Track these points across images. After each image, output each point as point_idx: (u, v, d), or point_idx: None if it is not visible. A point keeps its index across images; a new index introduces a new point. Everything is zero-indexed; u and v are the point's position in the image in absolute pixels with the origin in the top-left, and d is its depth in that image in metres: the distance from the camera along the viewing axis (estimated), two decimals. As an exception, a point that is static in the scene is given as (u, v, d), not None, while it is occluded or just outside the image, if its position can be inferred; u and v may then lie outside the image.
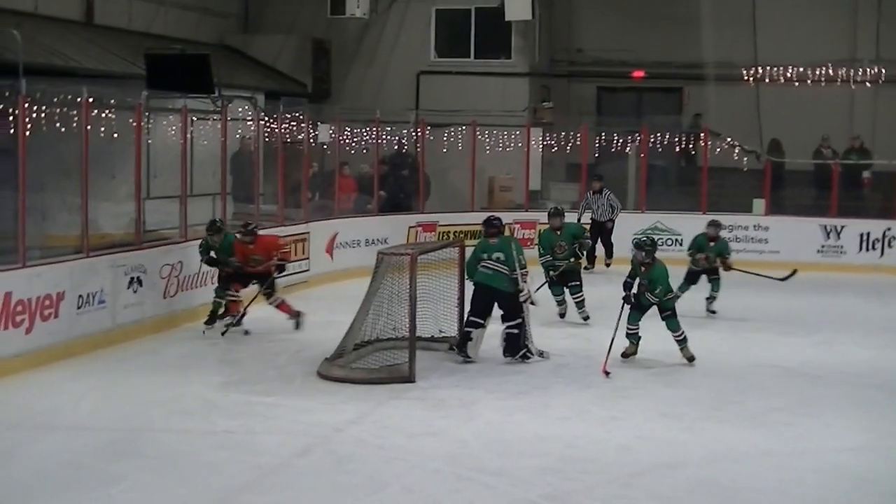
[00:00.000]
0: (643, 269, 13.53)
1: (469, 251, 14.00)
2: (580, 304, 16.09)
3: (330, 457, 9.70)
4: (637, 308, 13.54)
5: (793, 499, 8.80)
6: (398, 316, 13.06)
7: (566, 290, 16.15)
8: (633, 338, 13.54)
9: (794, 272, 16.89)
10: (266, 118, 19.49)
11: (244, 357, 13.81)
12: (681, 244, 22.39)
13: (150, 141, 17.08)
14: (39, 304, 12.73)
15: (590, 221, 20.82)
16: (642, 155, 23.47)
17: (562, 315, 16.21)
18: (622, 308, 13.48)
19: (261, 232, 15.55)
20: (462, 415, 11.12)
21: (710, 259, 16.52)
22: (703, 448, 10.08)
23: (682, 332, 13.53)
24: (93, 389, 11.85)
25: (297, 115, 19.82)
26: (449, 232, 21.63)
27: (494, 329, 13.49)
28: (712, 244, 16.67)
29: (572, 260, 16.11)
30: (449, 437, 10.31)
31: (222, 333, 14.69)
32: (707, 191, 22.82)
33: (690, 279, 16.68)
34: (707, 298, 16.71)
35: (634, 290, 13.62)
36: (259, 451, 9.84)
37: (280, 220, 18.86)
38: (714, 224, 16.90)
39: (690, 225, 22.21)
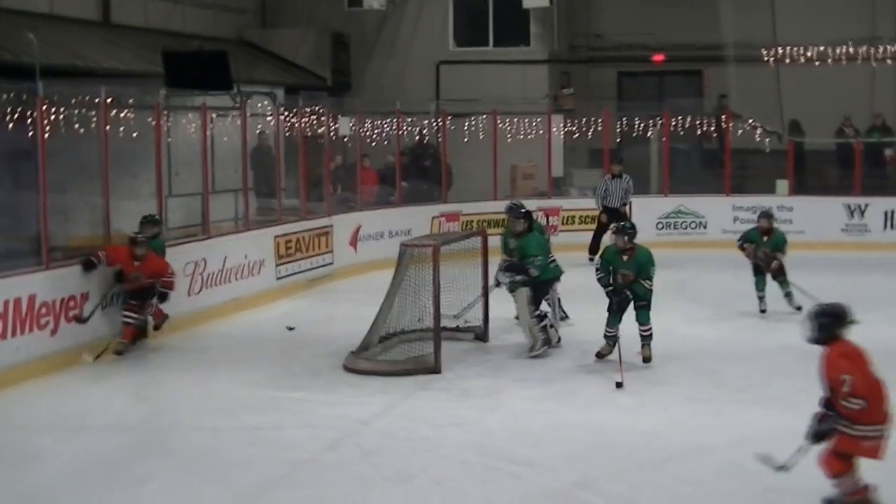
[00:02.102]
0: (625, 257, 12.54)
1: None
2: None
3: (358, 450, 9.71)
4: (618, 309, 12.65)
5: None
6: (423, 307, 13.07)
7: None
8: (612, 339, 12.68)
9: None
10: (286, 113, 19.48)
11: (270, 353, 13.83)
12: (704, 227, 22.44)
13: (170, 139, 17.09)
14: (64, 305, 12.77)
15: (601, 208, 20.47)
16: (664, 138, 23.39)
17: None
18: (612, 310, 12.69)
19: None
20: (488, 404, 11.11)
21: (767, 255, 15.17)
22: (731, 432, 10.05)
23: (651, 329, 12.66)
24: (121, 390, 11.89)
25: (317, 108, 19.79)
26: (472, 221, 21.59)
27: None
28: (766, 238, 15.32)
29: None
30: (476, 428, 10.31)
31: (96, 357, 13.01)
32: (730, 173, 22.75)
33: (759, 273, 15.42)
34: (785, 296, 15.27)
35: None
36: (287, 447, 9.86)
37: (303, 214, 18.87)
38: (765, 215, 15.52)
39: (713, 208, 22.34)
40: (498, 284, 13.61)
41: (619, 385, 11.61)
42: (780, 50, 25.78)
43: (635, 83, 28.33)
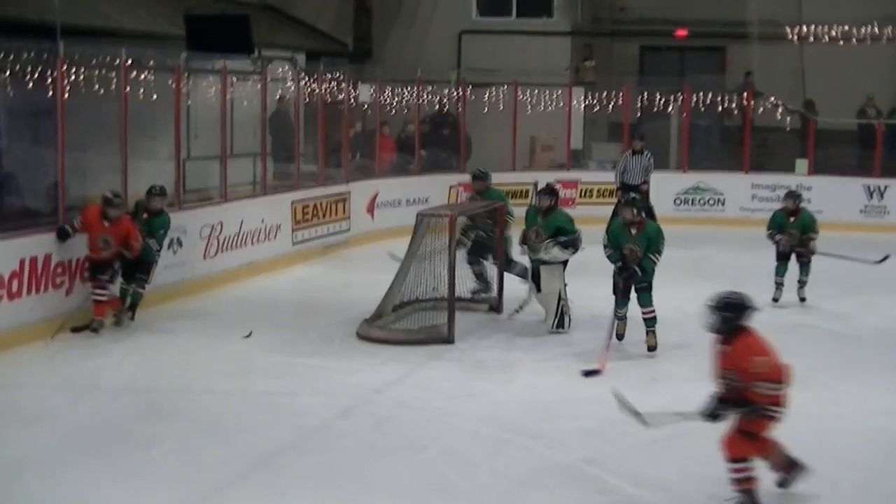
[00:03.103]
0: (633, 230, 12.08)
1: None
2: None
3: (369, 418, 9.73)
4: (624, 288, 12.21)
5: (832, 461, 8.74)
6: (437, 276, 13.07)
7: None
8: (623, 320, 12.39)
9: (887, 257, 15.73)
10: (306, 78, 19.45)
11: (285, 318, 13.87)
12: (722, 204, 22.36)
13: (189, 102, 17.07)
14: (79, 265, 12.79)
15: (619, 185, 20.04)
16: (684, 114, 23.30)
17: (475, 293, 14.48)
18: (620, 293, 12.30)
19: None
20: (501, 377, 11.12)
21: (793, 237, 14.41)
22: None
23: (653, 311, 12.19)
24: (134, 351, 11.92)
25: (337, 75, 19.76)
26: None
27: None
28: (792, 219, 14.55)
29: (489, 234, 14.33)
30: (488, 399, 10.32)
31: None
32: (749, 150, 22.66)
33: (782, 259, 14.66)
34: (798, 282, 14.72)
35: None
36: (299, 413, 9.90)
37: (321, 180, 18.87)
38: (791, 195, 14.80)
39: (732, 185, 22.26)
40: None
41: (588, 374, 11.08)
42: (804, 28, 25.62)
43: (657, 58, 28.15)
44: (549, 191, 13.16)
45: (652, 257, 12.06)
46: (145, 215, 13.00)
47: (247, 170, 18.73)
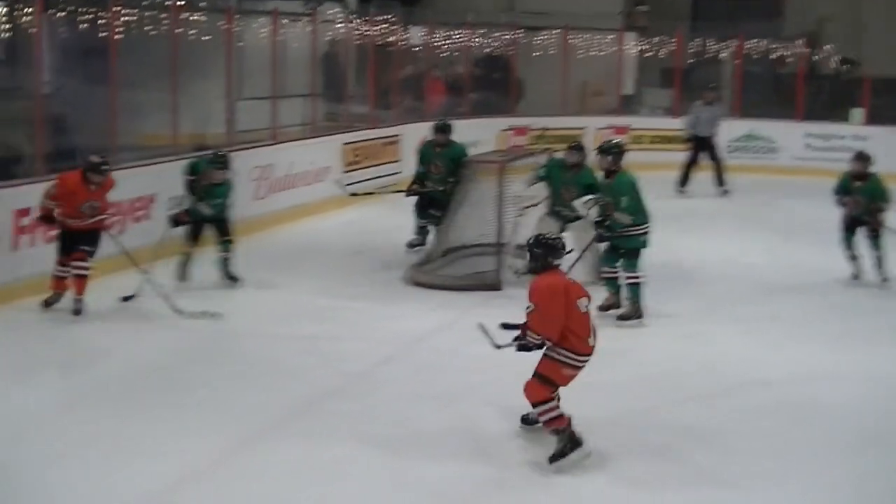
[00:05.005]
0: (608, 179, 11.32)
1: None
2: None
3: (412, 366, 9.78)
4: (611, 245, 11.38)
5: (872, 420, 8.72)
6: (486, 222, 13.03)
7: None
8: (612, 284, 11.42)
9: None
10: (357, 20, 19.42)
11: (332, 262, 13.91)
12: (775, 153, 22.18)
13: (240, 43, 17.09)
14: (131, 206, 12.88)
15: (690, 136, 19.69)
16: (737, 61, 23.07)
17: (413, 246, 14.26)
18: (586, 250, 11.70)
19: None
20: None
21: (858, 204, 12.87)
22: (786, 367, 9.98)
23: (640, 280, 11.25)
24: (181, 292, 11.94)
25: (388, 17, 19.71)
26: (541, 136, 21.48)
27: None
28: (859, 184, 12.99)
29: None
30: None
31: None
32: (804, 99, 22.42)
33: (848, 228, 13.07)
34: (875, 261, 13.06)
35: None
36: (342, 358, 9.96)
37: (371, 122, 18.88)
38: (860, 157, 13.12)
39: (785, 133, 22.04)
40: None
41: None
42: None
43: (711, 3, 27.85)
44: (578, 147, 12.95)
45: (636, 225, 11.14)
46: (204, 181, 12.22)
47: (297, 111, 18.76)
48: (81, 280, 11.01)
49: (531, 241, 7.92)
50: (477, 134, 20.35)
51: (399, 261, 13.49)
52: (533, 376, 7.69)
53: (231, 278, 12.37)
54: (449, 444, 8.00)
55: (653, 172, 19.78)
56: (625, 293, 11.31)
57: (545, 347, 7.65)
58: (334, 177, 15.95)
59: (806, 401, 9.10)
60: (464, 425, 8.29)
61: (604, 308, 11.33)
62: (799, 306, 12.17)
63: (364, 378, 9.46)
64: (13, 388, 9.08)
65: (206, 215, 12.15)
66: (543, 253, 7.75)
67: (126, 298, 11.21)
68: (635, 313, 11.19)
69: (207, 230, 12.31)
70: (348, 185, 14.96)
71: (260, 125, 17.17)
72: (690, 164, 19.50)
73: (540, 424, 7.85)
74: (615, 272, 11.33)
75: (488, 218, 12.92)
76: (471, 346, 10.12)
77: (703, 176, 19.63)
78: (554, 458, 7.60)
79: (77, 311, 10.98)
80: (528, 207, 13.00)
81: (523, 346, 7.74)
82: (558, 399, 7.72)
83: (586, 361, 7.71)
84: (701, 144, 19.55)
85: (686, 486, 7.44)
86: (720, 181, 19.50)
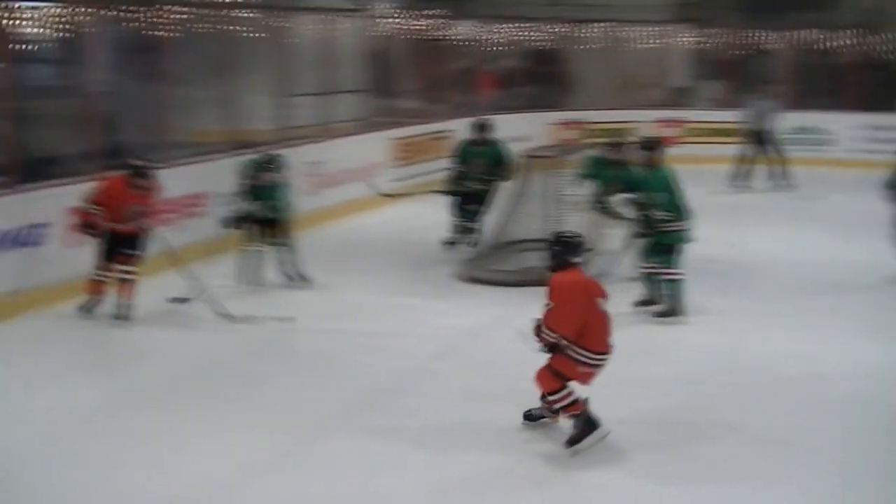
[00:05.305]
0: (646, 174, 11.08)
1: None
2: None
3: (466, 361, 9.75)
4: (651, 241, 11.11)
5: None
6: (538, 217, 12.99)
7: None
8: (650, 280, 11.21)
9: None
10: (408, 15, 19.42)
11: (384, 258, 13.93)
12: (830, 145, 21.96)
13: (291, 40, 17.11)
14: (183, 203, 12.94)
15: (749, 130, 19.46)
16: (790, 52, 22.87)
17: (449, 244, 14.29)
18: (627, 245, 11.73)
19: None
20: (620, 321, 11.01)
21: None
22: (845, 362, 9.84)
23: (680, 277, 11.06)
24: (237, 285, 12.01)
25: (437, 12, 19.71)
26: (591, 130, 21.41)
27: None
28: None
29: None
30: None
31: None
32: (859, 90, 22.18)
33: None
34: None
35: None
36: (397, 354, 9.96)
37: (422, 117, 18.87)
38: None
39: (840, 125, 21.81)
40: None
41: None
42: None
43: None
44: (619, 143, 12.89)
45: (669, 219, 10.84)
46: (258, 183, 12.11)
47: (349, 106, 18.78)
48: (129, 284, 10.85)
49: (551, 239, 7.92)
50: (526, 128, 20.32)
51: (449, 256, 13.48)
52: (546, 367, 7.70)
53: (300, 278, 12.28)
54: (508, 438, 7.96)
55: (705, 165, 19.80)
56: (664, 290, 11.17)
57: (564, 346, 7.62)
58: (368, 178, 15.85)
59: (853, 397, 8.96)
60: (520, 420, 8.23)
61: (641, 304, 11.26)
62: (850, 302, 11.97)
63: (419, 374, 9.45)
64: (78, 386, 9.15)
65: (261, 217, 12.07)
66: (562, 251, 7.75)
67: (178, 300, 11.18)
68: (674, 310, 11.04)
69: (266, 231, 12.21)
70: (379, 187, 14.82)
71: (311, 121, 17.20)
72: (748, 159, 19.31)
73: (546, 420, 7.94)
74: (654, 268, 11.15)
75: (540, 213, 12.88)
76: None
77: (759, 170, 19.45)
78: (571, 443, 7.64)
79: (124, 316, 10.78)
80: (574, 204, 12.93)
81: (546, 347, 7.72)
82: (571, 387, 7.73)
83: (604, 360, 7.71)
84: (759, 138, 19.32)
85: (734, 483, 7.36)
86: (780, 175, 19.31)
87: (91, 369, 9.76)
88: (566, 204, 12.85)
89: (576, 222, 12.73)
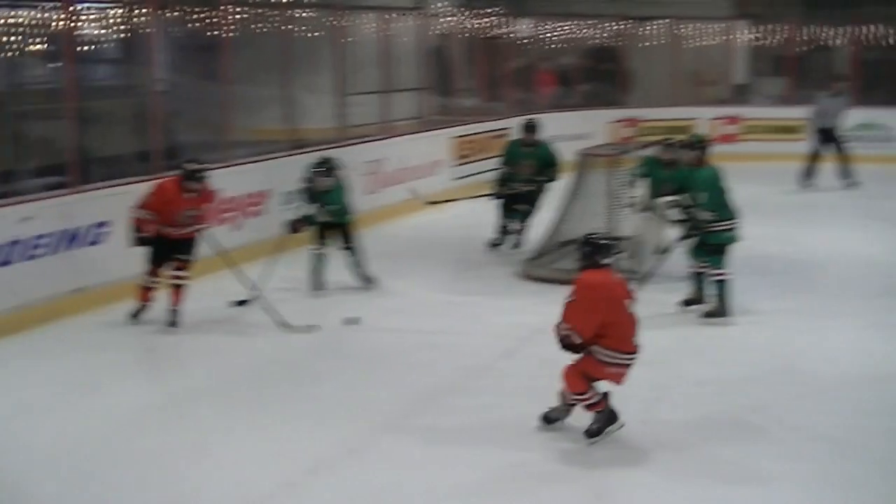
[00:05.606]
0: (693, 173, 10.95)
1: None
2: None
3: (532, 359, 9.67)
4: (698, 241, 10.96)
5: None
6: (599, 215, 12.89)
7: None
8: (697, 280, 11.12)
9: None
10: (466, 13, 19.40)
11: (446, 256, 13.94)
12: (894, 141, 21.69)
13: (349, 39, 17.11)
14: (245, 201, 12.96)
15: (816, 129, 19.08)
16: (853, 47, 22.61)
17: (494, 245, 14.23)
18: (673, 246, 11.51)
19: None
20: (665, 320, 10.93)
21: None
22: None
23: (726, 278, 10.82)
24: (299, 286, 12.01)
25: (497, 10, 19.67)
26: (652, 127, 21.28)
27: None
28: None
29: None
30: (651, 343, 10.07)
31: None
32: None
33: None
34: None
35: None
36: (461, 353, 9.93)
37: (481, 115, 18.83)
38: None
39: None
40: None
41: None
42: None
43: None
44: (672, 144, 12.58)
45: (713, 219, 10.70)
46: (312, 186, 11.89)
47: (408, 105, 18.77)
48: (179, 290, 10.62)
49: (582, 240, 7.97)
50: (585, 126, 20.24)
51: (511, 254, 13.44)
52: (574, 367, 7.77)
53: (365, 280, 12.17)
54: (573, 437, 7.89)
55: (765, 163, 19.68)
56: (711, 290, 11.00)
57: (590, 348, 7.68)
58: (410, 185, 15.74)
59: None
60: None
61: (686, 303, 11.19)
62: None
63: (484, 372, 9.41)
64: (137, 384, 9.24)
65: (323, 221, 11.89)
66: (591, 251, 7.78)
67: (239, 303, 11.15)
68: (721, 311, 10.86)
69: (327, 234, 12.06)
70: (422, 193, 14.70)
71: (369, 120, 17.20)
72: (815, 157, 19.04)
73: (560, 422, 8.00)
74: (701, 268, 11.03)
75: (601, 211, 12.79)
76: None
77: (826, 168, 19.21)
78: (592, 434, 7.76)
79: (173, 323, 10.56)
80: (630, 203, 12.83)
81: (566, 345, 7.77)
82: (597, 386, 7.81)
83: (632, 359, 7.76)
84: (826, 136, 19.01)
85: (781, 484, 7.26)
86: (846, 173, 19.06)
87: (148, 369, 9.88)
88: (623, 203, 12.75)
89: (631, 221, 12.72)
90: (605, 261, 7.76)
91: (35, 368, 9.53)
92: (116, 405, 8.63)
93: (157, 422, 8.31)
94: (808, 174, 18.96)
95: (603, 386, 7.82)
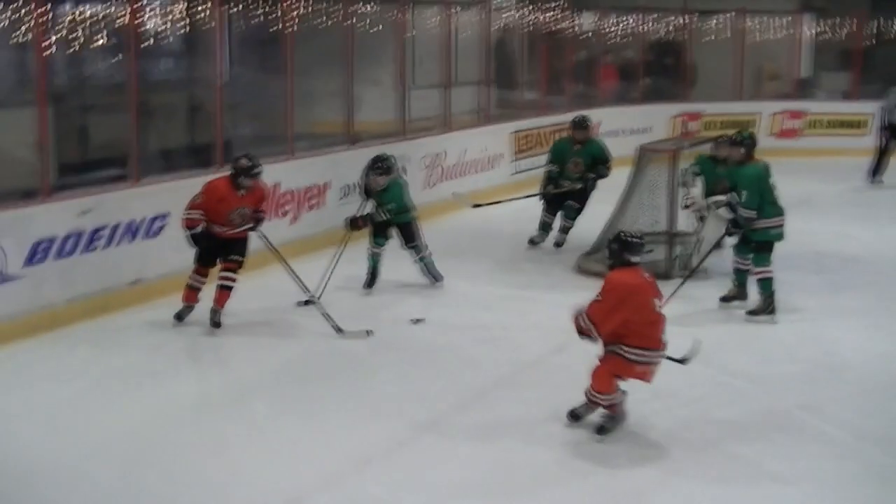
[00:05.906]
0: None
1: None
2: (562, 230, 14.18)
3: (585, 354, 9.63)
4: (743, 237, 11.02)
5: None
6: (657, 210, 12.88)
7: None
8: (740, 276, 11.22)
9: None
10: (528, 7, 19.40)
11: (502, 250, 14.00)
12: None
13: (412, 33, 17.19)
14: (305, 194, 13.09)
15: (886, 124, 18.86)
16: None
17: (534, 243, 14.21)
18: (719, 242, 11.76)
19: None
20: (719, 315, 10.94)
21: None
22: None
23: (770, 276, 10.84)
24: (353, 280, 12.03)
25: (558, 4, 19.65)
26: (714, 122, 21.20)
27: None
28: None
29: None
30: (704, 338, 10.12)
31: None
32: None
33: None
34: None
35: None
36: (515, 347, 10.01)
37: (543, 109, 18.84)
38: None
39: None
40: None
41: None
42: None
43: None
44: (726, 141, 12.60)
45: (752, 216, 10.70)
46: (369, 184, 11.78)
47: (469, 98, 18.80)
48: (226, 292, 10.39)
49: (610, 238, 8.10)
50: (649, 120, 20.20)
51: (568, 249, 13.51)
52: (604, 367, 7.84)
53: (431, 277, 12.16)
54: (624, 432, 7.98)
55: (829, 158, 19.51)
56: (756, 288, 10.98)
57: (617, 349, 7.76)
58: (455, 190, 15.68)
59: None
60: (636, 415, 8.18)
61: (726, 299, 11.25)
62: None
63: (537, 367, 9.48)
64: (186, 378, 9.40)
65: (382, 220, 11.82)
66: (620, 249, 7.88)
67: (304, 303, 11.07)
68: (766, 308, 10.84)
69: (386, 232, 11.97)
70: (466, 197, 14.67)
71: (430, 114, 17.26)
72: (884, 153, 18.83)
73: (581, 419, 8.09)
74: (745, 264, 11.07)
75: (659, 206, 12.78)
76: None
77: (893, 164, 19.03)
78: (601, 431, 7.91)
79: (217, 324, 10.39)
80: (686, 199, 12.79)
81: (581, 333, 7.95)
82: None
83: (659, 356, 7.84)
84: (894, 131, 18.76)
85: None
86: None
87: (196, 364, 9.97)
88: (681, 198, 12.72)
89: (689, 218, 12.70)
90: (635, 259, 7.85)
91: (95, 359, 9.67)
92: (173, 396, 8.78)
93: (212, 413, 8.44)
94: (876, 170, 18.76)
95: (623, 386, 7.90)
